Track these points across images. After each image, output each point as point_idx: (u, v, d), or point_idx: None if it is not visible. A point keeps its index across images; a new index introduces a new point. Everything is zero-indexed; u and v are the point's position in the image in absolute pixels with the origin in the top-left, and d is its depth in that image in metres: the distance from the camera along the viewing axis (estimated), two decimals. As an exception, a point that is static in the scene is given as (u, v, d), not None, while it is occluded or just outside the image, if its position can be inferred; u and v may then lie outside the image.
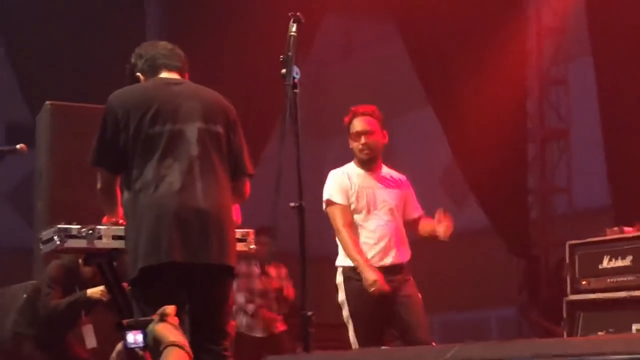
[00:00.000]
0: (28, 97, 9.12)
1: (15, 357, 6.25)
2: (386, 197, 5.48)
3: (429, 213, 5.60)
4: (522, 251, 10.08)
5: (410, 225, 5.58)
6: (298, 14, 4.47)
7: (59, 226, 4.27)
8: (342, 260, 5.42)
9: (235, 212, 4.40)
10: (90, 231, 4.24)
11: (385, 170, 5.62)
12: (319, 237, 9.43)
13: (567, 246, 6.38)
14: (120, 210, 4.29)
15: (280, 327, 8.32)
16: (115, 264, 4.40)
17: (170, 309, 3.00)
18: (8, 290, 6.72)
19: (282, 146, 4.09)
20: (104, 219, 4.36)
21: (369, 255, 5.36)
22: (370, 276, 5.25)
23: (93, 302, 6.02)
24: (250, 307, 8.25)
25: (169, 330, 2.93)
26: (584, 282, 6.23)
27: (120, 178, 4.26)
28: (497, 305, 10.70)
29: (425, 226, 5.55)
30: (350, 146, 5.56)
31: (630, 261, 5.99)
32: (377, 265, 5.34)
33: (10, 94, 9.65)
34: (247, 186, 4.42)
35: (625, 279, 6.00)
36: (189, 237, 4.10)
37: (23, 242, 8.06)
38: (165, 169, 4.14)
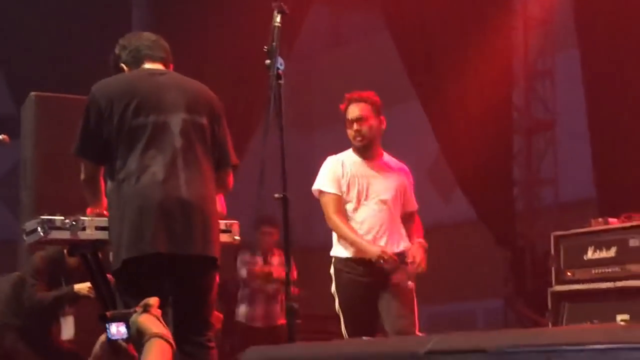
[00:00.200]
0: (12, 88, 9.09)
1: (-1, 348, 6.25)
2: (380, 186, 5.39)
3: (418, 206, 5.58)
4: (508, 243, 10.09)
5: (402, 219, 5.49)
6: (282, 4, 4.45)
7: (42, 217, 4.25)
8: (334, 251, 5.38)
9: (220, 203, 4.39)
10: (74, 222, 4.23)
11: (386, 158, 5.54)
12: (308, 228, 9.48)
13: (552, 237, 6.40)
14: (104, 201, 4.28)
15: (282, 320, 8.32)
16: (100, 255, 4.39)
17: (153, 300, 2.99)
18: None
19: (266, 137, 4.09)
20: (88, 210, 4.34)
21: None
22: (373, 252, 5.20)
23: (79, 297, 6.02)
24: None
25: (152, 321, 2.92)
26: (568, 273, 6.25)
27: (104, 169, 4.25)
28: (483, 296, 10.72)
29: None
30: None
31: (615, 252, 6.01)
32: (367, 256, 5.28)
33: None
34: (231, 177, 4.41)
35: (609, 269, 6.02)
36: (173, 228, 4.09)
37: (8, 234, 8.03)
38: (149, 160, 4.13)
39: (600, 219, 6.28)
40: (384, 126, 5.49)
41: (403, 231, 5.45)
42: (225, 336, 8.27)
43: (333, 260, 5.40)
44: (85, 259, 4.41)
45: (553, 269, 6.34)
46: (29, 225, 4.39)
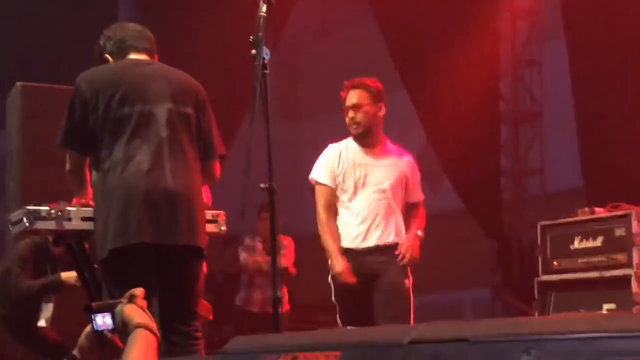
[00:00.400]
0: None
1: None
2: (380, 175, 5.35)
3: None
4: (496, 233, 10.13)
5: (405, 209, 5.44)
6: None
7: (28, 207, 4.24)
8: None
9: (205, 193, 4.38)
10: (60, 212, 4.22)
11: (389, 146, 5.50)
12: (295, 218, 9.48)
13: (538, 227, 6.42)
14: (90, 192, 4.27)
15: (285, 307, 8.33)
16: (86, 245, 4.38)
17: (139, 290, 2.98)
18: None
19: (252, 127, 4.08)
20: (74, 201, 4.33)
21: (352, 236, 5.30)
22: (336, 266, 5.22)
23: (65, 285, 5.99)
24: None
25: (137, 312, 2.90)
26: (555, 263, 6.27)
27: (90, 159, 4.24)
28: (471, 286, 10.75)
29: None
30: None
31: (601, 242, 6.03)
32: (360, 247, 5.28)
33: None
34: (217, 167, 4.41)
35: (596, 259, 6.04)
36: (158, 217, 4.09)
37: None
38: (134, 150, 4.12)
39: (586, 209, 6.30)
40: (382, 113, 5.41)
41: (401, 222, 5.40)
42: (224, 321, 8.38)
43: None
44: (71, 249, 4.40)
45: (540, 258, 6.36)
46: (15, 215, 4.37)
